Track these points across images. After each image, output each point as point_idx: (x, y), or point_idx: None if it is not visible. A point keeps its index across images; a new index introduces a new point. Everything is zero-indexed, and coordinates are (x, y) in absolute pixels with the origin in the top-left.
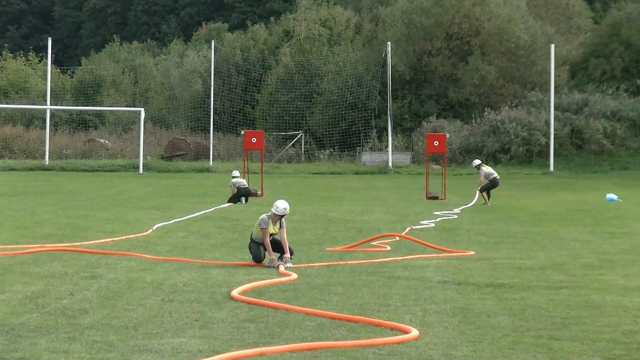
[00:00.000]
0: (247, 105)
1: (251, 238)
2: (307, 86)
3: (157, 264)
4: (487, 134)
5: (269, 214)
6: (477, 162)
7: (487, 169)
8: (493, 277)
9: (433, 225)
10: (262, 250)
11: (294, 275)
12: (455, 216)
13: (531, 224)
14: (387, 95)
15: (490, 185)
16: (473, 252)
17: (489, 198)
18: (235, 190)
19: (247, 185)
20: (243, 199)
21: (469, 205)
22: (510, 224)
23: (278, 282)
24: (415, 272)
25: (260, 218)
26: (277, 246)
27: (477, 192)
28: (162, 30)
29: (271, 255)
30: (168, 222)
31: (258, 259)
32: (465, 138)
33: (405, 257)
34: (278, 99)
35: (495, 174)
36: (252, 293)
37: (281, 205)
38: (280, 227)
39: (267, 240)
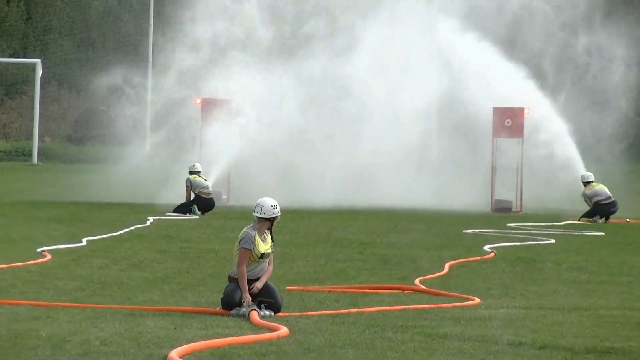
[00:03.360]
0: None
1: (229, 277)
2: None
3: (59, 310)
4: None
5: (252, 225)
6: (586, 176)
7: (593, 187)
8: (596, 337)
9: (493, 254)
10: (240, 292)
11: (282, 329)
12: (545, 240)
13: None
14: None
15: (594, 211)
16: (478, 300)
17: (602, 219)
18: (193, 195)
19: (210, 192)
20: (198, 209)
21: (560, 223)
22: (626, 254)
23: (253, 339)
24: (473, 328)
25: (242, 234)
26: (265, 289)
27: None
28: None
29: (245, 294)
30: (77, 244)
31: (231, 302)
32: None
33: (457, 304)
34: None
35: (605, 196)
36: (209, 357)
37: (268, 202)
38: (270, 247)
39: (243, 269)
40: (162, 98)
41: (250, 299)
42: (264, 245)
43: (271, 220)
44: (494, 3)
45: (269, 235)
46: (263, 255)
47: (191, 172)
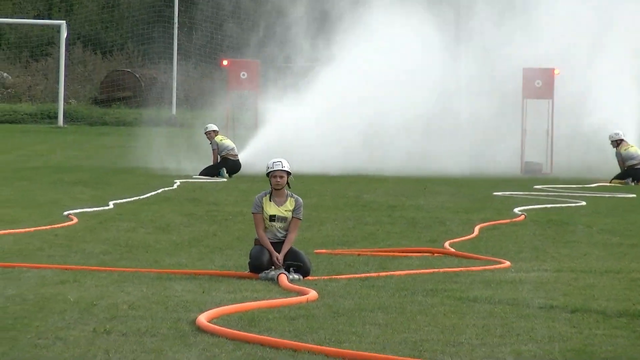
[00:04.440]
0: (233, 20)
1: (255, 240)
2: None
3: (86, 274)
4: None
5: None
6: (616, 134)
7: (627, 149)
8: (628, 300)
9: (523, 216)
10: (268, 253)
11: (311, 293)
12: (576, 203)
13: None
14: None
15: (627, 174)
16: (508, 263)
17: (634, 182)
18: (219, 158)
19: (237, 153)
20: (226, 172)
21: (591, 185)
22: None
23: (282, 303)
24: (504, 291)
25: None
26: (292, 253)
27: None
28: None
29: (272, 253)
30: (104, 207)
31: (259, 266)
32: None
33: (487, 267)
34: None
35: (638, 160)
36: (238, 321)
37: (270, 161)
38: (293, 211)
39: (260, 232)
40: (189, 60)
41: (281, 259)
42: (276, 208)
43: (277, 175)
44: None
45: (291, 199)
46: (274, 218)
47: (211, 131)
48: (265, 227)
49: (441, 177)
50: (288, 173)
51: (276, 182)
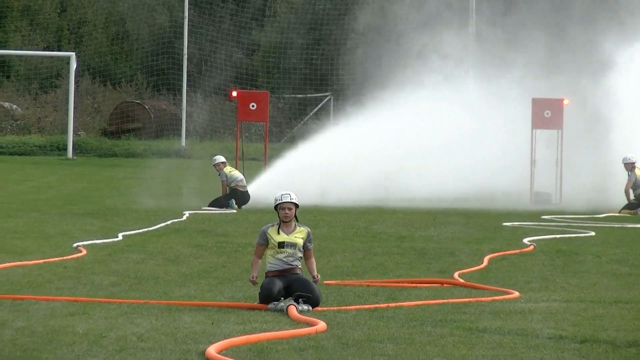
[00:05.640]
0: (242, 51)
1: (266, 272)
2: (340, 19)
3: (95, 306)
4: None
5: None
6: (629, 157)
7: (638, 177)
8: (638, 330)
9: (532, 247)
10: (278, 284)
11: (320, 324)
12: (585, 233)
13: None
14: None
15: (636, 205)
16: (517, 293)
17: None
18: (228, 189)
19: (245, 184)
20: (235, 204)
21: (601, 216)
22: None
23: (291, 334)
24: (513, 322)
25: None
26: (291, 286)
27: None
28: None
29: (252, 273)
30: (113, 239)
31: (268, 294)
32: None
33: (496, 298)
34: (292, 41)
35: None
36: (247, 352)
37: (278, 194)
38: (304, 243)
39: (256, 257)
40: (199, 92)
41: (256, 277)
42: (285, 236)
43: (286, 207)
44: None
45: (300, 227)
46: (283, 244)
47: (220, 163)
48: (272, 254)
49: (450, 207)
50: (296, 205)
51: (284, 214)
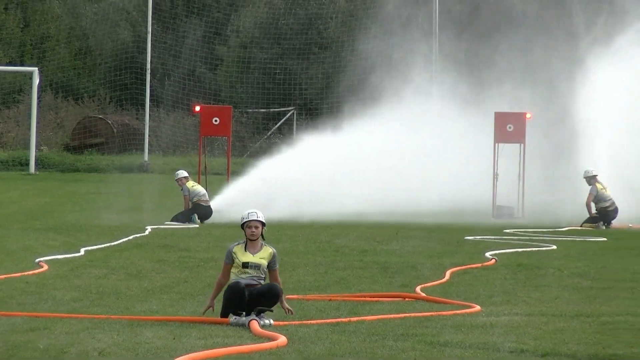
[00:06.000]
0: (205, 66)
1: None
2: (303, 35)
3: (57, 321)
4: None
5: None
6: (590, 171)
7: (601, 189)
8: (599, 344)
9: (494, 260)
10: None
11: (281, 339)
12: (546, 246)
13: None
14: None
15: (597, 218)
16: (478, 307)
17: (604, 225)
18: (191, 204)
19: (208, 199)
20: (198, 218)
21: (563, 229)
22: (628, 260)
23: (252, 349)
24: (475, 336)
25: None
26: (255, 299)
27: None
28: None
29: (209, 301)
30: (75, 254)
31: (236, 292)
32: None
33: (458, 312)
34: (256, 56)
35: (610, 202)
36: None
37: (247, 210)
38: (269, 264)
39: (221, 278)
40: (162, 106)
41: (212, 306)
42: (250, 256)
43: (252, 226)
44: None
45: (266, 247)
46: (247, 265)
47: (182, 177)
48: (236, 273)
49: (413, 221)
50: (263, 224)
51: (251, 232)
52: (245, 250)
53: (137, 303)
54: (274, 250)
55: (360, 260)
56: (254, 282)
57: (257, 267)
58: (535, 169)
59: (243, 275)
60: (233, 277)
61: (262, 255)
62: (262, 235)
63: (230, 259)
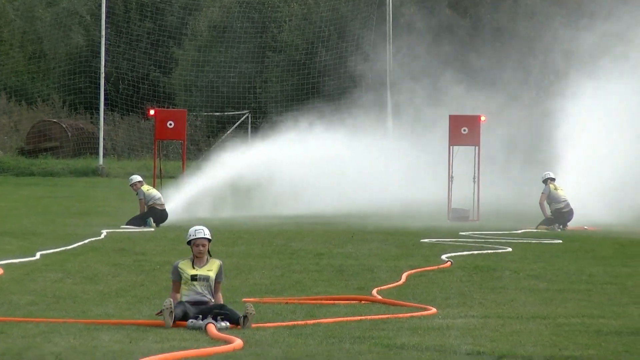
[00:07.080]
0: (160, 70)
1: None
2: (257, 38)
3: (13, 325)
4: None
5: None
6: (547, 174)
7: (555, 190)
8: (555, 345)
9: (450, 263)
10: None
11: (237, 342)
12: (502, 249)
13: (618, 261)
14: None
15: (552, 220)
16: (435, 310)
17: (560, 227)
18: (146, 208)
19: (163, 203)
20: (153, 222)
21: (518, 232)
22: (584, 262)
23: (209, 352)
24: (431, 338)
25: None
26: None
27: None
28: None
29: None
30: (31, 258)
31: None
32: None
33: (414, 314)
34: (210, 60)
35: (564, 204)
36: None
37: (194, 227)
38: (216, 276)
39: (173, 294)
40: (116, 110)
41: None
42: (197, 270)
43: (199, 243)
44: None
45: (212, 260)
46: (195, 277)
47: (136, 182)
48: (186, 287)
49: (368, 224)
50: (209, 240)
51: (198, 250)
52: (193, 266)
53: (93, 307)
54: (221, 262)
55: (317, 264)
56: (205, 299)
57: (205, 279)
58: (491, 171)
59: (192, 289)
60: (184, 292)
61: (209, 268)
62: (208, 251)
63: (177, 275)
